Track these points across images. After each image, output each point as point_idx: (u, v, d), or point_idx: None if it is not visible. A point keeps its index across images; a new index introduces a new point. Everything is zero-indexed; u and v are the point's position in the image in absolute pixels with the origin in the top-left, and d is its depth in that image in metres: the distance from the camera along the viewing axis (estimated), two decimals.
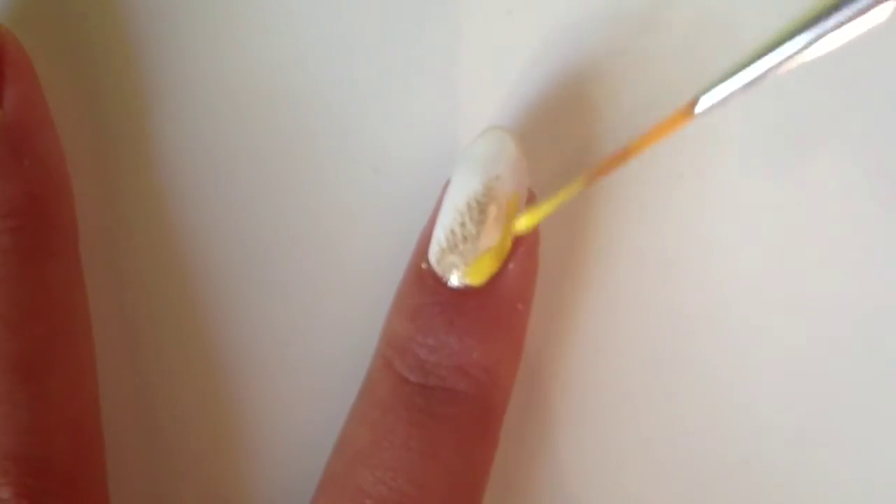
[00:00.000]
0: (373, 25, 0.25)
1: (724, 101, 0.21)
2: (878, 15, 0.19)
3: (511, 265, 0.23)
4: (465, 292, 0.23)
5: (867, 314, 0.25)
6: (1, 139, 0.23)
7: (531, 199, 0.23)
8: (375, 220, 0.25)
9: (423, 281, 0.23)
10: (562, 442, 0.25)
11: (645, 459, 0.25)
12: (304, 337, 0.25)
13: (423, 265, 0.23)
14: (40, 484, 0.21)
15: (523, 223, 0.23)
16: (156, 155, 0.25)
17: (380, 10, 0.25)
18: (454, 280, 0.23)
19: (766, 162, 0.25)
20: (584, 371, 0.25)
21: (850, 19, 0.19)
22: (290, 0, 0.25)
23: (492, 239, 0.23)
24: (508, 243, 0.23)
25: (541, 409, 0.25)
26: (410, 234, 0.25)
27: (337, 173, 0.25)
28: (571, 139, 0.25)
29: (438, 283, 0.23)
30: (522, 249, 0.23)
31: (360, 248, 0.25)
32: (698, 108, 0.21)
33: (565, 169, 0.25)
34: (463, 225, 0.23)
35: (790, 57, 0.20)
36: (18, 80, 0.23)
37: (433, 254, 0.23)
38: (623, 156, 0.22)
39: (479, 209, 0.23)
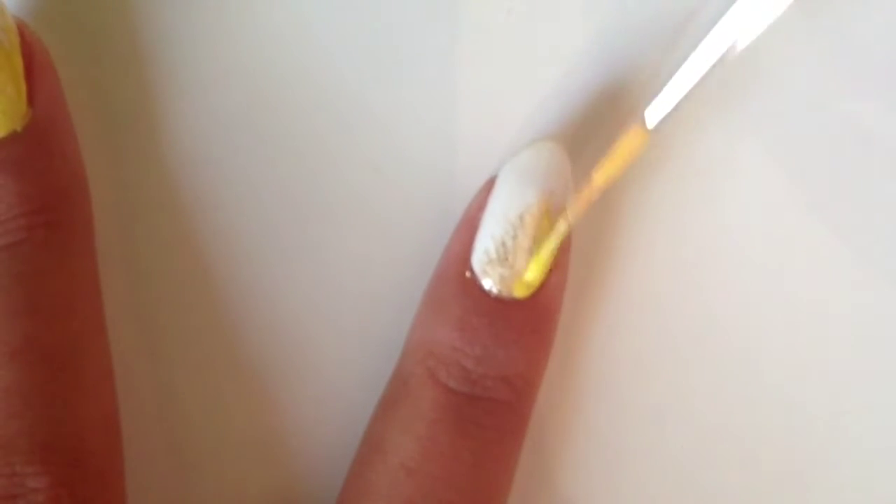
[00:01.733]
0: (373, 26, 0.25)
1: (672, 112, 0.21)
2: None
3: (552, 277, 0.23)
4: (509, 303, 0.23)
5: (872, 315, 0.26)
6: (33, 137, 0.23)
7: None
8: (376, 220, 0.25)
9: (467, 291, 0.23)
10: (563, 442, 0.26)
11: (645, 459, 0.26)
12: (304, 334, 0.25)
13: (468, 274, 0.23)
14: (76, 474, 0.22)
15: (532, 273, 0.23)
16: (156, 155, 0.25)
17: (380, 10, 0.25)
18: (502, 291, 0.23)
19: (778, 160, 0.25)
20: (586, 371, 0.26)
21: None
22: (293, 2, 0.25)
23: (544, 253, 0.23)
24: (554, 257, 0.23)
25: (544, 409, 0.25)
26: (411, 234, 0.25)
27: (338, 173, 0.25)
28: (571, 138, 0.25)
29: (484, 293, 0.23)
30: (561, 262, 0.23)
31: (361, 247, 0.25)
32: (649, 124, 0.22)
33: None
34: (515, 238, 0.23)
35: (719, 54, 0.21)
36: (46, 80, 0.23)
37: (479, 263, 0.23)
38: (592, 189, 0.22)
39: (533, 223, 0.23)
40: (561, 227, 0.22)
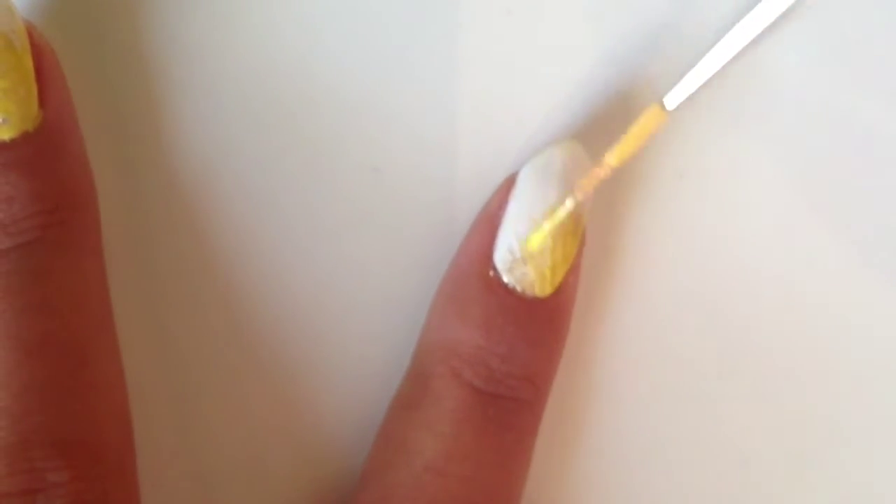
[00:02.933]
0: (372, 25, 0.25)
1: (692, 96, 0.21)
2: None
3: (570, 277, 0.23)
4: (532, 302, 0.23)
5: (871, 312, 0.26)
6: (44, 137, 0.22)
7: None
8: (375, 220, 0.25)
9: (492, 289, 0.23)
10: (562, 440, 0.26)
11: (644, 458, 0.26)
12: (304, 334, 0.25)
13: (491, 273, 0.23)
14: (95, 469, 0.22)
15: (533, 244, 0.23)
16: (156, 154, 0.25)
17: (380, 10, 0.25)
18: (526, 290, 0.23)
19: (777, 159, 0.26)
20: (585, 371, 0.26)
21: None
22: (292, 2, 0.25)
23: (567, 252, 0.23)
24: (574, 255, 0.23)
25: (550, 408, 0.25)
26: (411, 233, 0.25)
27: (337, 173, 0.25)
28: (572, 137, 0.25)
29: (508, 292, 0.23)
30: (578, 260, 0.23)
31: (361, 247, 0.25)
32: (668, 105, 0.21)
33: None
34: None
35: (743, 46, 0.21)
36: (54, 81, 0.23)
37: (503, 262, 0.23)
38: (604, 168, 0.22)
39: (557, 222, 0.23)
40: (568, 204, 0.22)
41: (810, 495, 0.26)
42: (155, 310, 0.25)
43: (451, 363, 0.23)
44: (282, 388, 0.25)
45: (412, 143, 0.25)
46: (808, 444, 0.26)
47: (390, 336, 0.25)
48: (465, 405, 0.22)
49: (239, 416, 0.25)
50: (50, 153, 0.23)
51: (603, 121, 0.25)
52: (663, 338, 0.26)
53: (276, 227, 0.25)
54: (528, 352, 0.23)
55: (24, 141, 0.22)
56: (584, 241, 0.24)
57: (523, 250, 0.23)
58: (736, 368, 0.26)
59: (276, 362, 0.25)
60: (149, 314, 0.25)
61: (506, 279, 0.23)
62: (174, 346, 0.25)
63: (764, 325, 0.26)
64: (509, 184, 0.24)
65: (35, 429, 0.21)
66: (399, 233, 0.25)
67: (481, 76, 0.25)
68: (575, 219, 0.23)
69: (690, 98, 0.22)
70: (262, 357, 0.25)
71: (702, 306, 0.26)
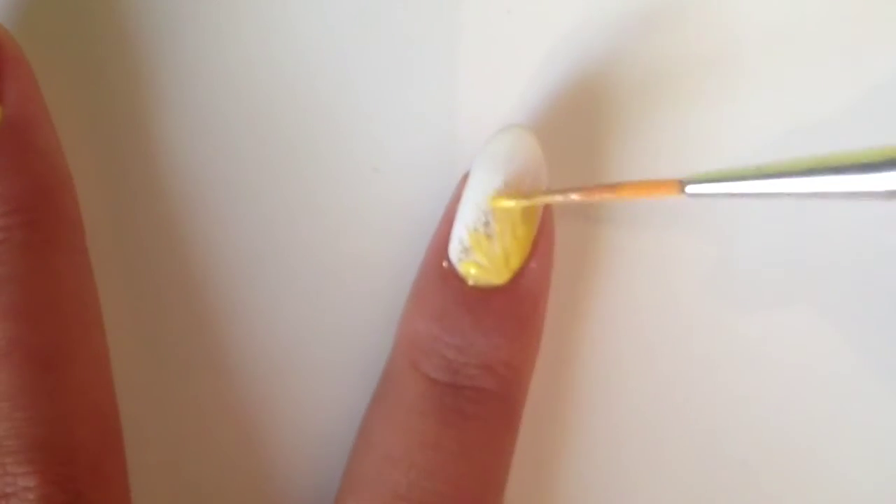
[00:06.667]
0: (373, 25, 0.25)
1: (714, 196, 0.21)
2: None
3: (533, 263, 0.23)
4: (489, 291, 0.23)
5: (869, 315, 0.25)
6: (6, 135, 0.22)
7: None
8: (375, 220, 0.25)
9: (445, 281, 0.23)
10: (561, 439, 0.25)
11: (643, 458, 0.25)
12: (304, 334, 0.25)
13: (445, 264, 0.23)
14: (67, 471, 0.22)
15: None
16: (154, 154, 0.25)
17: (380, 9, 0.25)
18: (479, 279, 0.23)
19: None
20: (583, 369, 0.25)
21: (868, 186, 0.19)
22: (292, 2, 0.25)
23: (520, 237, 0.23)
24: (531, 241, 0.23)
25: (542, 405, 0.25)
26: (411, 233, 0.25)
27: (337, 173, 0.25)
28: (570, 138, 0.25)
29: (462, 282, 0.23)
30: (542, 247, 0.23)
31: (360, 247, 0.25)
32: (689, 191, 0.21)
33: (563, 167, 0.25)
34: (487, 224, 0.23)
35: (789, 193, 0.20)
36: (17, 76, 0.23)
37: (455, 252, 0.23)
38: (609, 192, 0.22)
39: (504, 207, 0.23)
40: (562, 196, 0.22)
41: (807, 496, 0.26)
42: (147, 309, 0.25)
43: (410, 355, 0.23)
44: (278, 387, 0.25)
45: (412, 143, 0.25)
46: (797, 441, 0.25)
47: (388, 334, 0.25)
48: (422, 396, 0.23)
49: (234, 414, 0.25)
50: (13, 152, 0.22)
51: (604, 118, 0.25)
52: (658, 335, 0.25)
53: (276, 226, 0.25)
54: (486, 341, 0.23)
55: None
56: (552, 229, 0.23)
57: (472, 239, 0.23)
58: (731, 367, 0.25)
59: (273, 362, 0.25)
60: (141, 313, 0.25)
61: (460, 269, 0.23)
62: (167, 345, 0.25)
63: (762, 322, 0.25)
64: (466, 177, 0.24)
65: (5, 434, 0.21)
66: (399, 233, 0.25)
67: (481, 76, 0.25)
68: (524, 205, 0.23)
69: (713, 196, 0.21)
70: (258, 357, 0.25)
71: (701, 305, 0.25)
